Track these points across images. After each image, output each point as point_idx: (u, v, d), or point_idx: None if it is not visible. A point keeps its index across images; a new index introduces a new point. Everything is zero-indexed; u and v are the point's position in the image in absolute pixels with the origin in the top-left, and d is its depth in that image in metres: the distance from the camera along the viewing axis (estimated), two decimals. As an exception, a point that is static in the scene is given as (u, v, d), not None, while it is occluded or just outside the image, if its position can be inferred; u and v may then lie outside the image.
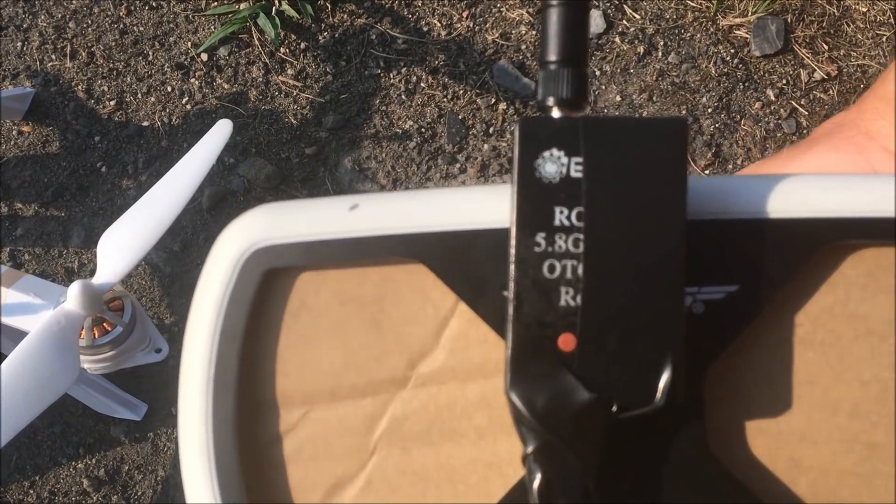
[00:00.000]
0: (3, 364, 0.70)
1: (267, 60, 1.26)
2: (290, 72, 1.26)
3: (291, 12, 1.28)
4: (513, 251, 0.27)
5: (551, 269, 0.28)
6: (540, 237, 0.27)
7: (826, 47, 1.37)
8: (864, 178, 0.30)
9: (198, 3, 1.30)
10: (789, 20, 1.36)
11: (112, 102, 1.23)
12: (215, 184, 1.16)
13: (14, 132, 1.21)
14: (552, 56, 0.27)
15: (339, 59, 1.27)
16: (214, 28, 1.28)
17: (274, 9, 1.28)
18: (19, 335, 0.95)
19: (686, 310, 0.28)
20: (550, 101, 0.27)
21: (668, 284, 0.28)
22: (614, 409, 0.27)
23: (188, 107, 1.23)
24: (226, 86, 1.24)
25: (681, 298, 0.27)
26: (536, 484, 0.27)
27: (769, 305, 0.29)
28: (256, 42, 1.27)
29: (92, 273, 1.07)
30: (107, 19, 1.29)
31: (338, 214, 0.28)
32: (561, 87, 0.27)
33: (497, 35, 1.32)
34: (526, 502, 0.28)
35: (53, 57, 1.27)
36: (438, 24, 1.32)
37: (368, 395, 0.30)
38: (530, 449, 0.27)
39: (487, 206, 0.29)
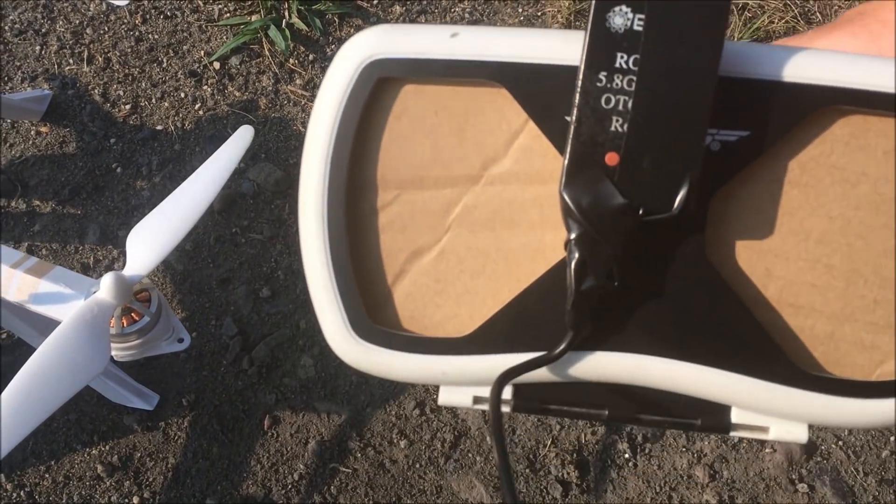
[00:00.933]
0: (39, 348, 0.75)
1: (276, 70, 1.32)
2: (298, 82, 1.31)
3: (301, 25, 1.34)
4: (580, 83, 0.35)
5: (608, 101, 0.35)
6: (602, 75, 0.35)
7: (808, 72, 1.44)
8: (858, 57, 0.37)
9: (211, 14, 1.36)
10: (773, 46, 1.44)
11: (127, 106, 1.28)
12: (226, 187, 1.21)
13: (33, 132, 1.25)
14: None
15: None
16: (227, 38, 1.34)
17: (284, 21, 1.34)
18: (40, 322, 0.99)
19: (705, 145, 0.36)
20: None
21: (695, 122, 0.35)
22: (641, 212, 0.35)
23: (200, 112, 1.28)
24: (237, 93, 1.30)
25: (703, 134, 0.35)
26: (574, 262, 0.36)
27: (770, 150, 0.37)
28: (267, 52, 1.33)
29: (107, 269, 1.12)
30: (123, 27, 1.34)
31: (441, 39, 0.35)
32: None
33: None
34: (562, 278, 0.36)
35: (71, 61, 1.32)
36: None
37: (448, 186, 0.38)
38: (573, 235, 0.35)
39: (563, 47, 0.36)
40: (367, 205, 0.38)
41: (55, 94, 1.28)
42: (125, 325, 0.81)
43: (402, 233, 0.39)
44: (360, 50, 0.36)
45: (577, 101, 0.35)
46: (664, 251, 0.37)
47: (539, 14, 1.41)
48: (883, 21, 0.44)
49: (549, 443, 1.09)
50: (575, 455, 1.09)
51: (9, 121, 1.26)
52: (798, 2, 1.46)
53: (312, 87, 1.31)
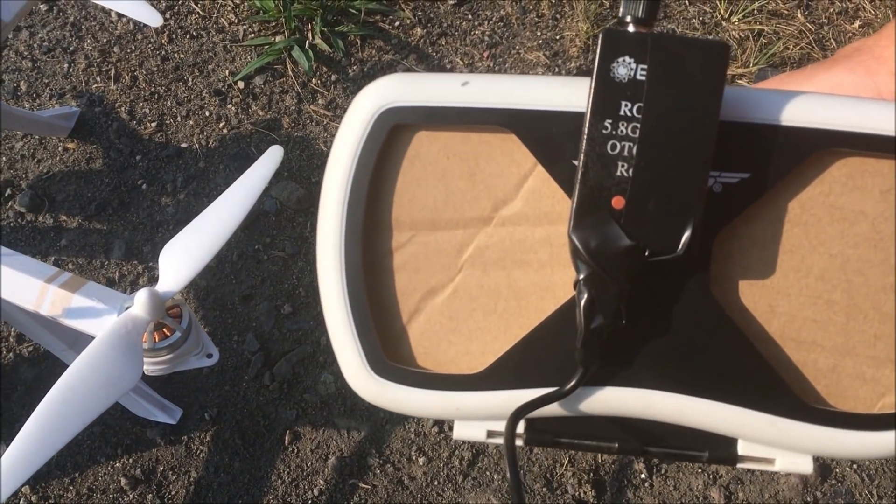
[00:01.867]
0: (74, 362, 0.76)
1: (300, 90, 1.34)
2: (321, 101, 1.34)
3: (324, 46, 1.36)
4: (586, 130, 0.37)
5: (613, 147, 0.37)
6: (608, 122, 0.37)
7: (822, 98, 1.47)
8: (855, 101, 0.38)
9: (236, 34, 1.38)
10: (787, 71, 1.45)
11: (153, 124, 1.30)
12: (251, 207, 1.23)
13: (60, 148, 1.28)
14: None
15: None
16: (251, 58, 1.36)
17: (307, 42, 1.36)
18: (69, 334, 1.01)
19: (707, 188, 0.38)
20: (628, 18, 0.36)
21: (697, 167, 0.37)
22: (646, 253, 0.37)
23: (225, 131, 1.30)
24: (260, 112, 1.32)
25: (706, 178, 0.37)
26: (584, 301, 0.38)
27: (770, 191, 0.38)
28: (290, 73, 1.35)
29: (132, 284, 1.14)
30: (149, 46, 1.37)
31: (453, 88, 0.38)
32: (637, 8, 0.36)
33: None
34: (572, 316, 0.38)
35: (98, 79, 1.34)
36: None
37: (460, 227, 0.41)
38: (582, 276, 0.37)
39: (569, 94, 0.38)
40: (382, 246, 0.40)
41: (82, 111, 1.30)
42: (157, 340, 0.82)
43: (416, 273, 0.41)
44: (375, 98, 0.38)
45: (583, 147, 0.37)
46: (670, 289, 0.39)
47: (557, 38, 1.43)
48: (879, 58, 0.46)
49: (566, 462, 1.10)
50: (591, 474, 1.10)
51: (37, 137, 1.28)
52: (812, 28, 1.48)
53: (335, 106, 1.33)
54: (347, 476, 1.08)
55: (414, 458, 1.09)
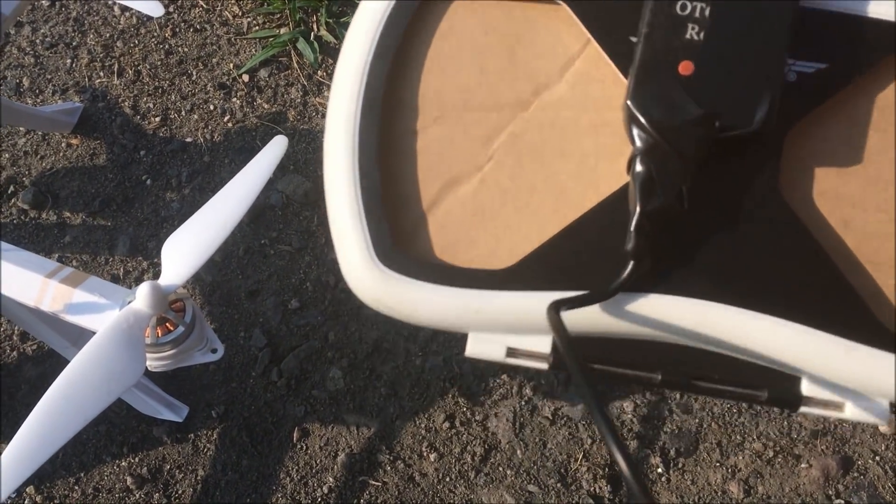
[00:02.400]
0: (75, 357, 0.74)
1: (305, 83, 1.32)
2: (326, 94, 1.32)
3: (329, 38, 1.34)
4: (655, 4, 0.32)
5: (683, 7, 0.32)
6: None
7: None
8: None
9: (240, 27, 1.37)
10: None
11: (157, 118, 1.28)
12: (255, 198, 1.21)
13: (63, 144, 1.26)
14: None
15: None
16: (256, 51, 1.34)
17: (313, 34, 1.34)
18: (73, 332, 0.99)
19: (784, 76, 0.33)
20: None
21: (778, 34, 0.32)
22: (717, 125, 0.32)
23: (230, 125, 1.28)
24: (266, 105, 1.30)
25: (785, 49, 0.32)
26: (641, 178, 0.32)
27: (848, 88, 0.34)
28: (295, 65, 1.33)
29: (137, 280, 1.12)
30: (153, 40, 1.35)
31: None
32: None
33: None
34: (618, 211, 0.32)
35: (101, 74, 1.32)
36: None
37: (494, 111, 0.35)
38: (641, 147, 0.32)
39: None
40: (403, 125, 0.35)
41: (86, 107, 1.29)
42: (160, 334, 0.80)
43: (439, 158, 0.36)
44: None
45: (650, 5, 0.32)
46: (736, 185, 0.33)
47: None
48: None
49: (581, 457, 1.08)
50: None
51: (40, 133, 1.26)
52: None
53: (340, 99, 1.31)
54: (357, 473, 1.06)
55: (425, 454, 1.07)
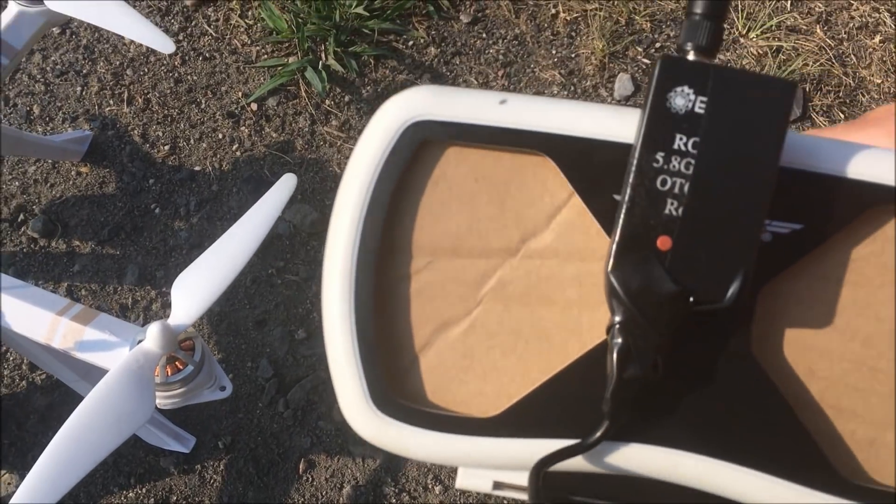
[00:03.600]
0: (86, 398, 0.75)
1: (313, 111, 1.33)
2: (334, 123, 1.33)
3: (337, 67, 1.35)
4: (636, 161, 0.33)
5: (663, 182, 0.34)
6: (660, 155, 0.34)
7: (842, 116, 1.44)
8: None
9: (249, 56, 1.38)
10: (807, 89, 1.44)
11: (166, 147, 1.29)
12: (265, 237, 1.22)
13: (73, 173, 1.27)
14: (698, 10, 0.33)
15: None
16: (264, 79, 1.35)
17: (321, 63, 1.35)
18: (81, 366, 1.00)
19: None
20: (689, 46, 0.33)
21: (753, 213, 0.34)
22: (691, 300, 0.34)
23: (238, 153, 1.29)
24: (274, 134, 1.31)
25: (761, 226, 0.34)
26: (618, 348, 0.34)
27: (821, 246, 0.36)
28: (303, 94, 1.34)
29: (145, 310, 1.13)
30: (162, 68, 1.36)
31: (489, 105, 0.35)
32: (700, 36, 0.34)
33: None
34: (600, 362, 0.34)
35: (111, 102, 1.33)
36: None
37: (484, 257, 0.37)
38: (618, 319, 0.33)
39: (615, 124, 0.35)
40: (397, 270, 0.37)
41: (95, 135, 1.30)
42: (169, 373, 0.81)
43: (431, 302, 0.37)
44: (403, 110, 0.35)
45: (631, 179, 0.34)
46: (709, 343, 0.36)
47: (573, 55, 1.42)
48: None
49: (586, 490, 1.08)
50: None
51: (50, 161, 1.28)
52: (832, 44, 1.46)
53: (348, 128, 1.32)
54: (363, 505, 1.06)
55: (430, 486, 1.07)
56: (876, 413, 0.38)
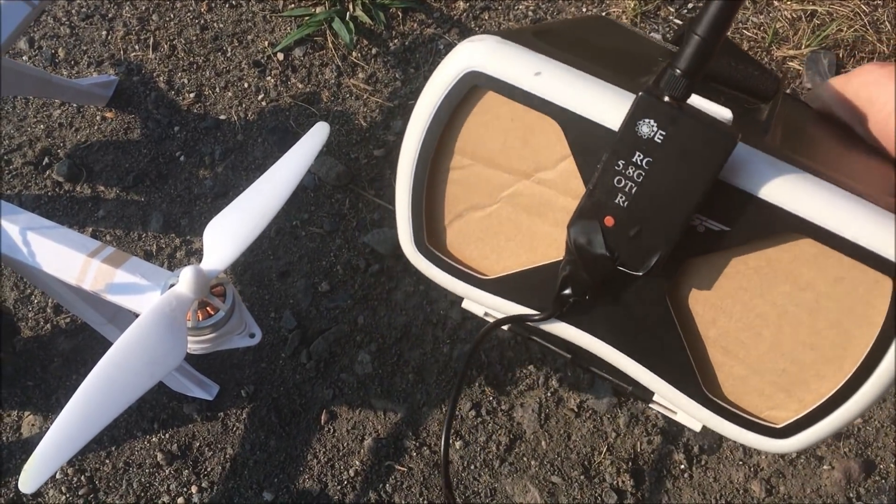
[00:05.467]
0: (118, 341, 0.75)
1: (340, 63, 1.31)
2: (361, 75, 1.31)
3: (365, 18, 1.34)
4: (603, 161, 0.46)
5: (619, 181, 0.47)
6: (621, 162, 0.46)
7: (875, 83, 1.42)
8: (853, 204, 0.46)
9: (276, 4, 1.36)
10: (841, 55, 1.41)
11: (191, 95, 1.28)
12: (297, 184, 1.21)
13: (98, 118, 1.26)
14: (680, 66, 0.43)
15: (408, 66, 1.32)
16: (291, 29, 1.34)
17: (348, 14, 1.34)
18: (109, 308, 1.00)
19: (694, 226, 0.48)
20: (665, 92, 0.43)
21: (677, 221, 0.47)
22: (617, 264, 0.49)
23: (263, 103, 1.28)
24: (300, 85, 1.30)
25: (680, 230, 0.47)
26: (563, 275, 0.50)
27: (738, 247, 0.49)
28: (330, 45, 1.32)
29: (169, 258, 1.13)
30: (188, 14, 1.34)
31: (527, 74, 0.47)
32: (676, 90, 0.44)
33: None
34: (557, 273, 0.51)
35: (137, 47, 1.32)
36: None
37: (507, 172, 0.52)
38: (566, 259, 0.49)
39: (610, 112, 0.46)
40: (446, 164, 0.54)
41: (121, 80, 1.28)
42: (200, 318, 0.81)
43: (465, 191, 0.55)
44: (465, 59, 0.48)
45: (597, 172, 0.47)
46: (641, 283, 0.51)
47: (604, 12, 1.39)
48: None
49: (605, 450, 1.08)
50: (630, 464, 1.08)
51: (75, 105, 1.27)
52: (867, 10, 1.43)
53: (375, 81, 1.30)
54: (383, 458, 1.07)
55: (451, 441, 1.08)
56: (751, 361, 0.54)
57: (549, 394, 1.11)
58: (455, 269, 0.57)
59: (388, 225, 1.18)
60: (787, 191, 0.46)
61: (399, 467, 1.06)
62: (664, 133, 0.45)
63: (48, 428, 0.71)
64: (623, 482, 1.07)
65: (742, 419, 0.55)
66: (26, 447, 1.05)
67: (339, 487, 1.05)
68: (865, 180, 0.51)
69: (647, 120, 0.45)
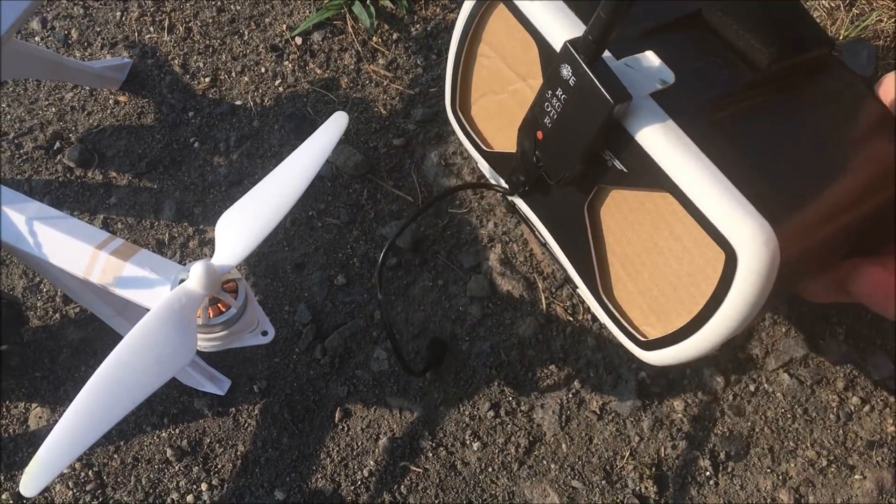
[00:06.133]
0: (125, 338, 0.72)
1: (359, 49, 1.27)
2: (381, 61, 1.27)
3: (386, 2, 1.29)
4: (539, 90, 0.61)
5: (548, 107, 0.61)
6: (549, 92, 0.60)
7: (915, 76, 1.36)
8: (704, 174, 0.56)
9: (295, -14, 1.32)
10: (880, 46, 1.35)
11: (207, 79, 1.25)
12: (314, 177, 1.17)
13: (111, 101, 1.23)
14: (590, 34, 0.55)
15: (429, 53, 1.28)
16: (310, 12, 1.30)
17: (369, -3, 1.29)
18: (117, 301, 0.97)
19: (606, 159, 0.61)
20: (581, 55, 0.56)
21: (579, 147, 0.61)
22: (541, 170, 0.67)
23: (280, 89, 1.24)
24: (318, 70, 1.26)
25: (582, 156, 0.62)
26: (510, 170, 0.73)
27: (636, 188, 0.62)
28: (350, 30, 1.28)
29: (182, 248, 1.10)
30: (205, -4, 1.31)
31: (532, 4, 0.64)
32: (586, 52, 0.56)
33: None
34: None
35: (151, 29, 1.28)
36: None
37: (513, 71, 0.71)
38: (514, 154, 0.70)
39: (560, 40, 0.60)
40: (476, 52, 0.72)
41: (135, 63, 1.25)
42: (211, 315, 0.78)
43: (488, 76, 0.74)
44: None
45: (536, 96, 0.62)
46: (561, 193, 0.69)
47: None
48: None
49: (627, 455, 1.05)
50: (654, 469, 1.04)
51: (87, 88, 1.23)
52: (909, 0, 1.37)
53: (395, 67, 1.26)
54: (399, 458, 1.03)
55: (468, 442, 1.04)
56: (639, 282, 0.66)
57: (570, 395, 1.07)
58: (471, 136, 0.78)
59: (406, 216, 1.14)
60: (671, 157, 0.56)
61: (414, 468, 1.03)
62: (574, 80, 0.56)
63: (55, 421, 0.68)
64: (646, 488, 1.03)
65: (622, 325, 0.69)
66: (33, 440, 1.02)
67: (352, 488, 1.02)
68: (799, 172, 0.58)
69: (566, 65, 0.57)
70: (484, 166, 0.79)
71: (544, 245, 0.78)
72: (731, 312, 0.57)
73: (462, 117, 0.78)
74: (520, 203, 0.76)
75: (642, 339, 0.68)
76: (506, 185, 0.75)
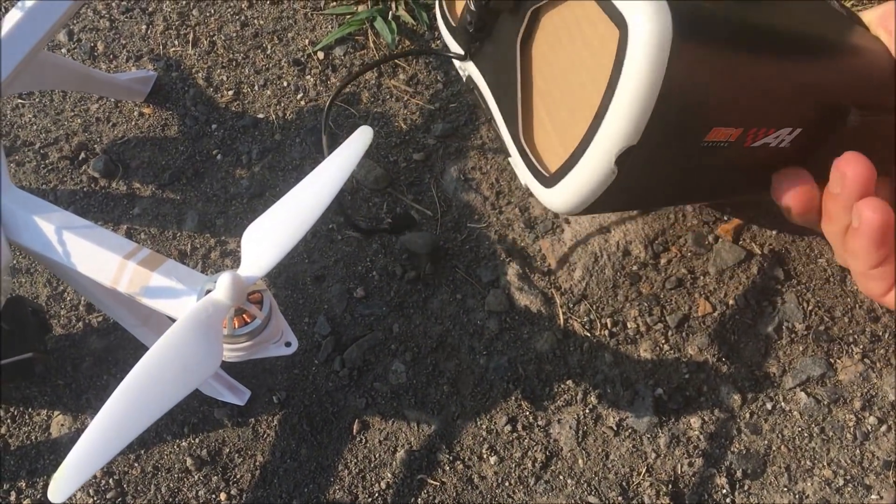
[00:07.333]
0: (151, 348, 0.73)
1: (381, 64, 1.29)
2: (402, 77, 1.28)
3: (407, 18, 1.31)
4: None
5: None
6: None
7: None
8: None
9: (317, 2, 1.33)
10: None
11: (230, 92, 1.26)
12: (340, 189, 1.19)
13: (135, 113, 1.25)
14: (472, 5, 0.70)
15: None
16: (332, 28, 1.31)
17: (391, 13, 1.31)
18: (142, 310, 0.98)
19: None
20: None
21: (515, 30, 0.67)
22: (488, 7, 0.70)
23: (302, 103, 1.26)
24: (339, 85, 1.27)
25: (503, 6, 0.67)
26: (467, 12, 0.74)
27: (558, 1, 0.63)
28: (371, 45, 1.30)
29: (204, 258, 1.11)
30: (229, 10, 1.33)
31: None
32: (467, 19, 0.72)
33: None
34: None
35: (176, 43, 1.30)
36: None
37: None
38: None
39: None
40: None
41: (159, 76, 1.27)
42: (237, 326, 0.79)
43: None
44: None
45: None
46: (505, 28, 0.69)
47: None
48: None
49: (644, 471, 1.05)
50: (670, 486, 1.04)
51: (112, 100, 1.25)
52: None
53: (416, 82, 1.28)
54: (416, 471, 1.04)
55: (485, 456, 1.05)
56: (555, 120, 0.65)
57: (587, 410, 1.08)
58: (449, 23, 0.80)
59: (426, 229, 1.15)
60: None
61: (432, 481, 1.03)
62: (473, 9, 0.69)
63: (77, 429, 0.70)
64: (662, 505, 1.03)
65: (535, 168, 0.66)
66: (55, 448, 1.03)
67: (370, 500, 1.02)
68: None
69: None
70: (447, 39, 0.83)
71: (490, 121, 0.81)
72: (624, 100, 0.51)
73: None
74: (475, 76, 0.76)
75: (546, 175, 0.64)
76: (459, 51, 0.78)
